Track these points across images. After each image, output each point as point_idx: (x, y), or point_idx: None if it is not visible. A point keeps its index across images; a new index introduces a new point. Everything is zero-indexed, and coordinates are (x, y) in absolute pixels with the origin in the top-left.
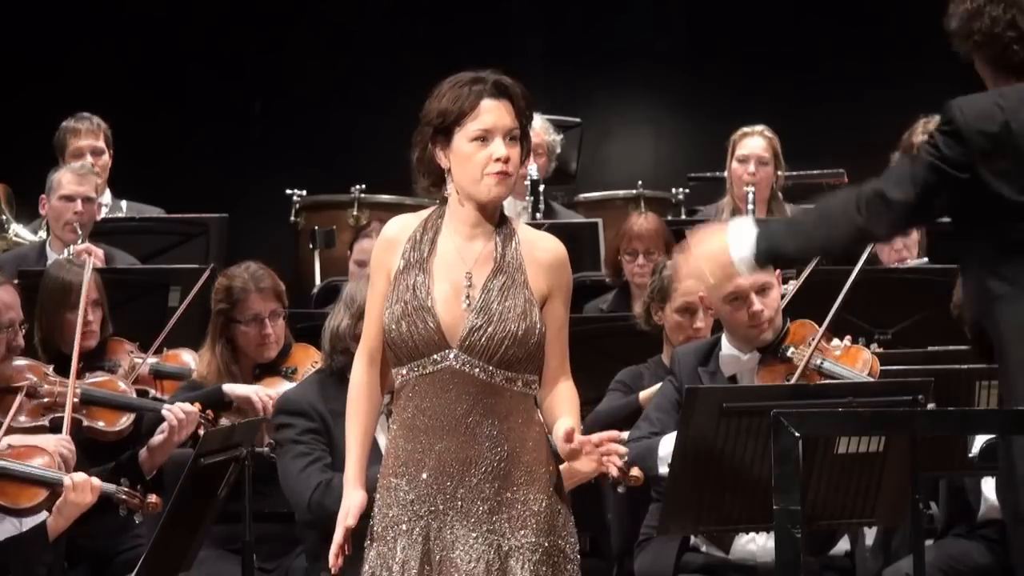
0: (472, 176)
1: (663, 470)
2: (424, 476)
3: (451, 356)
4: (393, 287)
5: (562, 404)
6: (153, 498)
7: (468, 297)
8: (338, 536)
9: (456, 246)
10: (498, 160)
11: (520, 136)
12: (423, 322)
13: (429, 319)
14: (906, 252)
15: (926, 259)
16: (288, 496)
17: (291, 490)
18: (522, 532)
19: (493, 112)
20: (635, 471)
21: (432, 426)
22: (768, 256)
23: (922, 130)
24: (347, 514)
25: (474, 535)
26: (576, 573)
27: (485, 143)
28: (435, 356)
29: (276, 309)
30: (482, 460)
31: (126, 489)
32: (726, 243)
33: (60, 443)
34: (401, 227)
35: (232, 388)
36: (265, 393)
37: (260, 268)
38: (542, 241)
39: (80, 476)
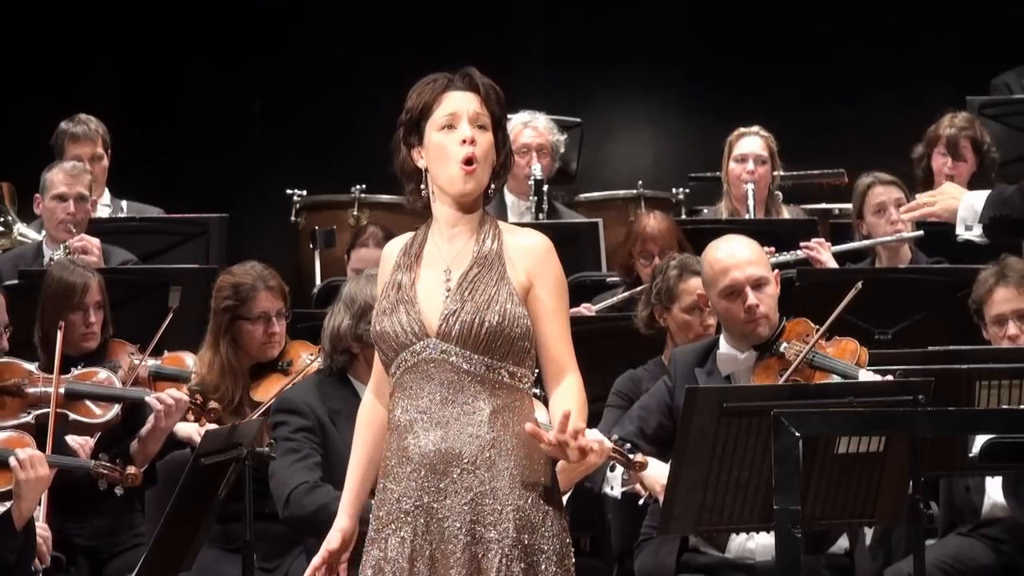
0: (445, 169)
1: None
2: (409, 471)
3: (430, 345)
4: (383, 293)
5: (562, 399)
6: (132, 469)
7: (448, 290)
8: (316, 559)
9: (439, 246)
10: (464, 142)
11: (494, 128)
12: (405, 313)
13: (411, 309)
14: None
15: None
16: (272, 491)
17: (275, 485)
18: (503, 527)
19: (457, 99)
20: (639, 456)
21: (416, 419)
22: (993, 222)
23: (948, 124)
24: (329, 539)
25: (458, 526)
26: (558, 574)
27: (453, 129)
28: (415, 347)
29: (282, 308)
30: (465, 451)
31: (104, 463)
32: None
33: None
34: (396, 245)
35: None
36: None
37: (265, 267)
38: (522, 235)
39: (26, 452)
